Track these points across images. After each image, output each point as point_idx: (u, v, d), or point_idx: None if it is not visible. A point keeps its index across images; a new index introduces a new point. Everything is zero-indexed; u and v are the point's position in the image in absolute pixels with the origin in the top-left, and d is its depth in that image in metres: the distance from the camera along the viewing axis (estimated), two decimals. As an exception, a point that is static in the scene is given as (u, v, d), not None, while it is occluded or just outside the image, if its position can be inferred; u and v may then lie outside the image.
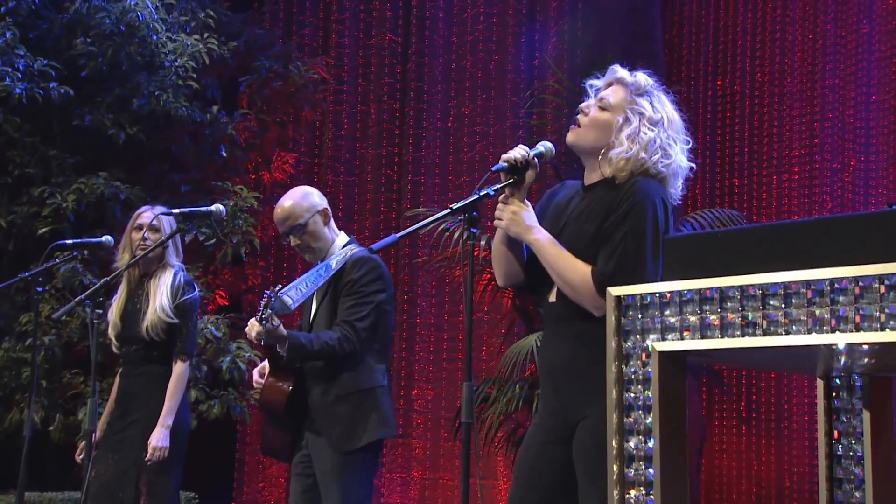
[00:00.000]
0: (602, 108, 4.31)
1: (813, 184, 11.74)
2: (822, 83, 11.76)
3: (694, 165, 4.40)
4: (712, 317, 2.95)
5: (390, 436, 6.00)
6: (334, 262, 5.87)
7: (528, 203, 4.31)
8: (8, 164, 9.86)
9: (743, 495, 11.79)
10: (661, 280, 3.18)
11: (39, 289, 6.53)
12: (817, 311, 2.75)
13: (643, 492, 3.13)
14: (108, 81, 10.01)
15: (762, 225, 3.02)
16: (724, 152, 12.31)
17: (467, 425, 4.00)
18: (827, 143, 11.69)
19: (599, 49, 10.89)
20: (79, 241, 6.88)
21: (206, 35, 10.27)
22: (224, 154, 10.49)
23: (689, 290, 3.01)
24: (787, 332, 2.80)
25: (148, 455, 6.42)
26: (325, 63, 11.97)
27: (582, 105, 4.38)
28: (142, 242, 6.60)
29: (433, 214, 4.37)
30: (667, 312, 3.07)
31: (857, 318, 2.67)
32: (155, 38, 9.80)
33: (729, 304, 2.92)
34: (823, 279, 2.74)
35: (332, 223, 6.13)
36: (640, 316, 3.14)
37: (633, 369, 3.16)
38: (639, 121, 4.24)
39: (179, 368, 6.59)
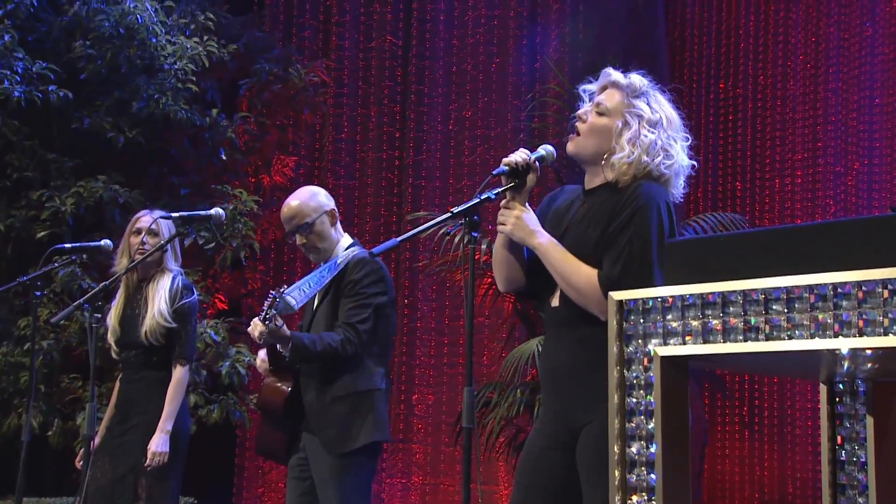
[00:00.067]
0: (600, 114, 4.30)
1: (816, 187, 11.71)
2: (826, 86, 11.73)
3: (695, 163, 4.37)
4: (714, 321, 2.95)
5: (385, 440, 5.97)
6: (339, 262, 5.88)
7: (529, 207, 4.29)
8: (6, 167, 9.85)
9: (746, 501, 11.75)
10: (663, 284, 3.16)
11: (38, 293, 6.55)
12: (820, 316, 2.74)
13: (645, 497, 3.12)
14: (108, 84, 10.00)
15: (764, 229, 3.01)
16: (727, 156, 12.28)
17: (468, 430, 3.98)
18: (830, 147, 11.66)
19: (601, 52, 10.85)
20: (77, 244, 6.90)
21: (205, 38, 10.26)
22: (224, 157, 10.48)
23: (691, 295, 3.01)
24: (790, 337, 2.80)
25: (148, 460, 6.39)
26: (325, 66, 11.94)
27: (579, 112, 4.38)
28: (140, 246, 6.58)
29: (434, 218, 4.36)
30: (669, 317, 3.06)
31: (861, 323, 2.67)
32: (154, 40, 9.79)
33: (731, 308, 2.92)
34: (826, 284, 2.73)
35: (339, 225, 6.15)
36: (641, 320, 3.13)
37: (634, 374, 3.16)
38: (638, 123, 4.22)
39: (179, 373, 6.56)
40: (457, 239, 9.25)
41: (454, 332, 12.06)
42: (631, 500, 3.15)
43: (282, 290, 5.58)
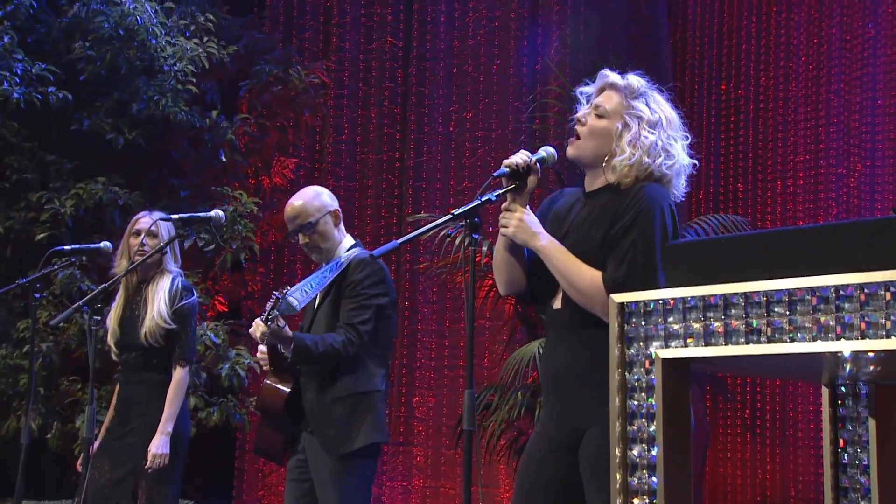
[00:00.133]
0: (599, 116, 4.30)
1: (818, 189, 11.69)
2: (828, 87, 11.71)
3: (696, 162, 4.37)
4: (716, 324, 2.93)
5: (384, 441, 5.96)
6: (340, 263, 5.88)
7: (529, 209, 4.29)
8: (6, 169, 9.84)
9: (747, 504, 11.75)
10: (665, 287, 3.14)
11: (37, 295, 6.61)
12: (822, 318, 2.73)
13: (647, 500, 3.11)
14: (107, 86, 10.00)
15: (766, 231, 2.99)
16: (729, 157, 12.26)
17: (469, 433, 3.98)
18: (832, 149, 11.64)
19: (601, 53, 10.80)
20: (77, 246, 6.96)
21: (205, 39, 10.26)
22: (223, 159, 10.48)
23: (692, 297, 2.99)
24: (792, 340, 2.78)
25: (148, 462, 6.40)
26: (325, 67, 11.93)
27: (578, 115, 4.38)
28: (140, 248, 6.60)
29: (434, 220, 4.34)
30: (670, 319, 3.04)
31: (863, 326, 2.65)
32: (154, 42, 9.78)
33: (733, 310, 2.90)
34: (828, 286, 2.72)
35: (342, 225, 6.15)
36: (643, 323, 3.12)
37: (636, 377, 3.14)
38: (637, 125, 4.23)
39: (179, 375, 6.57)
40: (458, 241, 9.24)
41: (455, 334, 12.04)
42: (632, 503, 3.14)
43: (284, 290, 5.58)
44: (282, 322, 5.58)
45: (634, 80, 4.34)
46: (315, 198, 6.07)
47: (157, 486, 6.47)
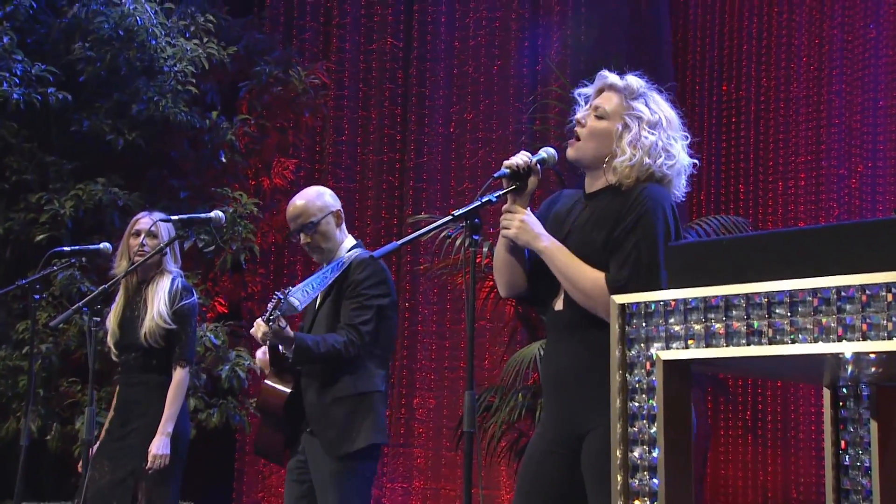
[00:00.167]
0: (598, 117, 4.30)
1: (819, 190, 11.69)
2: (829, 88, 11.72)
3: (696, 161, 4.37)
4: (717, 325, 2.92)
5: (384, 442, 5.96)
6: (342, 263, 5.87)
7: (530, 211, 4.28)
8: (5, 170, 9.82)
9: (749, 506, 11.74)
10: (666, 288, 3.12)
11: (37, 296, 6.61)
12: (824, 320, 2.72)
13: (648, 502, 3.09)
14: (107, 87, 9.98)
15: (768, 232, 2.99)
16: (730, 158, 12.26)
17: (469, 434, 3.98)
18: (833, 149, 11.64)
19: (602, 54, 10.80)
20: (77, 247, 6.95)
21: (205, 40, 10.25)
22: (223, 160, 10.45)
23: (693, 298, 2.98)
24: (793, 341, 2.77)
25: (148, 463, 6.39)
26: (325, 68, 11.91)
27: (577, 116, 4.37)
28: (140, 249, 6.59)
29: (435, 221, 4.35)
30: (671, 320, 3.03)
31: (864, 327, 2.64)
32: (154, 42, 9.77)
33: (734, 312, 2.89)
34: (830, 287, 2.71)
35: (344, 226, 6.14)
36: (644, 324, 3.10)
37: (637, 378, 3.12)
38: (638, 126, 4.22)
39: (179, 375, 6.56)
40: (458, 242, 9.23)
41: (455, 335, 12.04)
42: (633, 505, 3.14)
43: (286, 291, 5.57)
44: (283, 322, 5.57)
45: (634, 80, 4.34)
46: (318, 197, 6.07)
47: (158, 487, 6.46)
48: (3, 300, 9.42)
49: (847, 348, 2.68)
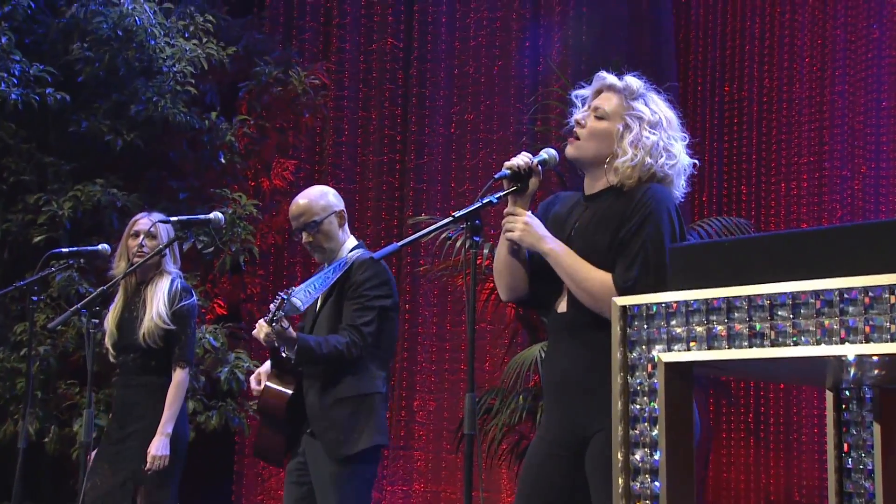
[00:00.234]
0: (599, 118, 4.29)
1: (822, 192, 11.65)
2: (832, 89, 11.68)
3: (696, 162, 4.37)
4: (719, 327, 2.93)
5: (385, 444, 5.96)
6: (344, 264, 5.86)
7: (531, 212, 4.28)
8: (3, 171, 9.80)
9: (751, 509, 11.71)
10: (668, 290, 3.14)
11: (35, 298, 6.67)
12: (826, 322, 2.73)
13: (649, 504, 3.10)
14: (105, 87, 9.98)
15: (770, 234, 3.00)
16: (732, 159, 12.23)
17: (470, 437, 3.99)
18: (836, 150, 11.60)
19: (604, 54, 10.78)
20: (75, 249, 6.97)
21: (204, 40, 10.24)
22: (223, 161, 10.42)
23: (695, 300, 3.00)
24: (796, 343, 2.78)
25: (148, 464, 6.39)
26: (325, 68, 11.90)
27: (577, 117, 4.37)
28: (138, 250, 6.60)
29: (435, 222, 4.36)
30: (673, 323, 3.05)
31: (867, 329, 2.65)
32: (153, 42, 9.76)
33: (736, 314, 2.91)
34: (832, 289, 2.72)
35: (346, 226, 6.13)
36: (645, 326, 3.12)
37: (638, 380, 3.15)
38: (639, 126, 4.23)
39: (179, 376, 6.57)
40: (458, 243, 9.21)
41: (456, 337, 12.02)
42: (635, 507, 3.14)
43: (289, 291, 5.55)
44: (285, 323, 5.56)
45: (633, 81, 4.34)
46: (321, 197, 6.07)
47: (157, 489, 6.48)
48: (1, 302, 9.43)
49: (850, 350, 2.69)
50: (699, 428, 3.98)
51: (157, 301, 6.56)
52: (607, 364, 3.29)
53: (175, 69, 9.85)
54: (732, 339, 2.89)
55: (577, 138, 4.29)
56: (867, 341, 2.64)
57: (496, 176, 4.20)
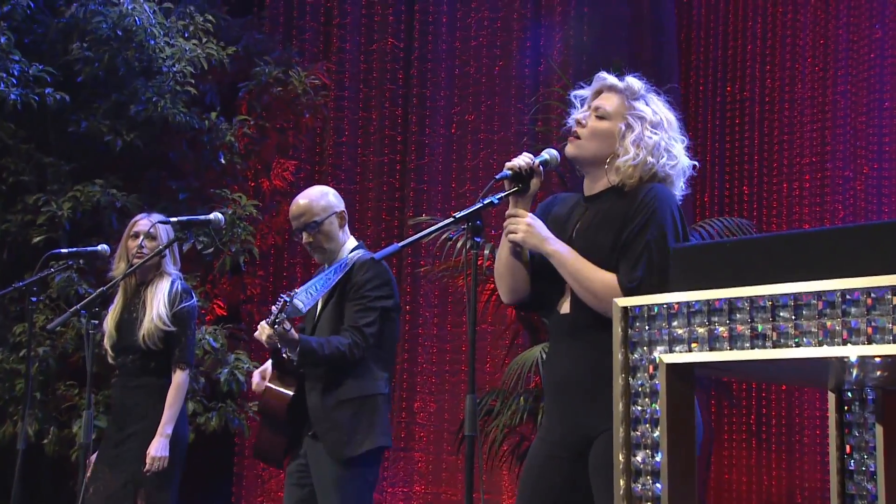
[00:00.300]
0: (600, 118, 4.28)
1: (824, 192, 11.64)
2: (834, 89, 11.67)
3: (696, 164, 4.36)
4: (721, 328, 2.93)
5: (388, 445, 5.97)
6: (345, 264, 5.86)
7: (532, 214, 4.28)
8: (2, 171, 9.77)
9: (752, 511, 11.70)
10: (669, 290, 3.13)
11: (34, 299, 6.67)
12: (828, 323, 2.72)
13: (650, 506, 3.11)
14: (105, 87, 9.96)
15: (772, 234, 3.00)
16: (734, 160, 12.22)
17: (471, 438, 3.98)
18: (839, 151, 11.60)
19: (605, 54, 10.76)
20: (74, 249, 6.96)
21: (204, 40, 10.21)
22: (223, 161, 10.39)
23: (697, 301, 2.99)
24: (798, 345, 2.77)
25: (147, 465, 6.39)
26: (325, 68, 11.88)
27: (577, 117, 4.36)
28: (138, 251, 6.59)
29: (436, 223, 4.36)
30: (674, 324, 3.04)
31: (870, 330, 2.64)
32: (153, 42, 9.74)
33: (738, 315, 2.90)
34: (835, 290, 2.71)
35: (346, 227, 6.13)
36: (647, 327, 3.12)
37: (639, 382, 3.14)
38: (641, 125, 4.23)
39: (179, 377, 6.57)
40: (459, 244, 9.19)
41: (456, 338, 12.02)
42: (636, 509, 3.14)
43: (291, 293, 5.55)
44: (287, 325, 5.56)
45: (634, 81, 4.34)
46: (321, 197, 6.07)
47: (158, 491, 6.49)
48: (1, 302, 9.41)
49: (852, 352, 2.68)
50: (702, 429, 3.98)
51: (157, 302, 6.57)
52: (611, 365, 3.27)
53: (175, 69, 9.83)
54: (734, 341, 2.88)
55: (578, 137, 4.28)
56: (869, 342, 2.63)
57: (497, 177, 4.19)
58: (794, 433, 11.58)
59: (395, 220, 12.38)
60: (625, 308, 3.16)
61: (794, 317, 2.76)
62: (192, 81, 9.95)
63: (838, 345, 2.68)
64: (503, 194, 4.19)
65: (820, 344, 2.71)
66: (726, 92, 12.39)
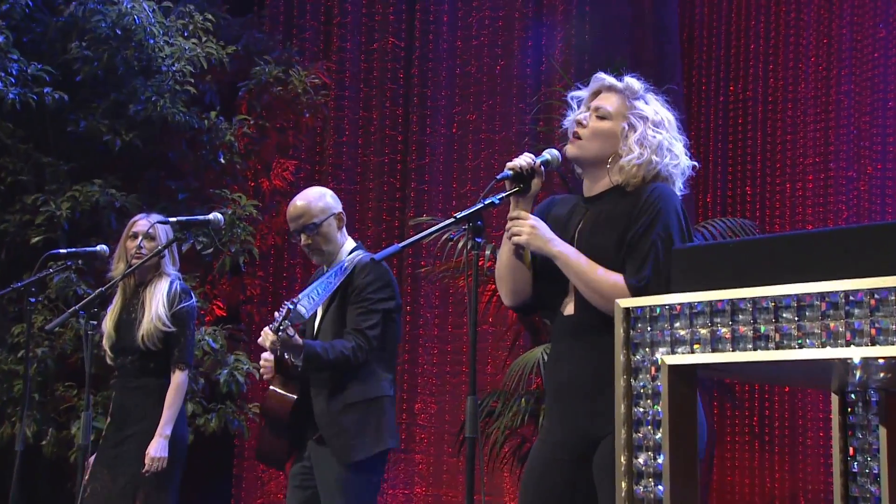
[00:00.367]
0: (601, 118, 4.27)
1: (828, 192, 11.64)
2: (837, 89, 11.68)
3: (696, 164, 4.36)
4: (723, 329, 2.90)
5: (396, 446, 5.99)
6: (345, 267, 5.87)
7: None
8: (1, 171, 9.77)
9: (755, 513, 11.69)
10: (671, 291, 3.10)
11: (32, 299, 6.70)
12: (832, 324, 2.69)
13: (652, 508, 3.10)
14: (104, 86, 9.96)
15: (775, 235, 3.01)
16: (737, 160, 12.22)
17: (472, 440, 3.97)
18: (842, 151, 11.60)
19: (607, 54, 10.76)
20: (73, 250, 6.92)
21: (204, 39, 10.22)
22: (222, 161, 10.39)
23: (699, 302, 2.96)
24: (801, 346, 2.74)
25: (146, 466, 6.37)
26: (326, 68, 11.90)
27: (578, 117, 4.34)
28: (137, 251, 6.59)
29: (437, 223, 4.34)
30: (677, 325, 3.02)
31: (873, 332, 2.62)
32: (152, 41, 9.73)
33: (740, 316, 2.87)
34: (838, 291, 2.68)
35: (344, 228, 6.12)
36: (649, 328, 3.09)
37: (642, 383, 3.11)
38: (643, 125, 4.21)
39: (178, 378, 6.55)
40: (460, 244, 9.18)
41: (457, 339, 12.05)
42: (638, 511, 3.13)
43: (295, 300, 5.56)
44: (291, 331, 5.55)
45: (633, 81, 4.33)
46: (319, 199, 6.04)
47: (157, 492, 6.46)
48: (-1, 303, 9.38)
49: (855, 353, 2.66)
50: (705, 431, 3.95)
51: (157, 303, 6.55)
52: (613, 367, 3.25)
53: (174, 68, 9.82)
54: (737, 342, 2.86)
55: (579, 138, 4.26)
56: (873, 344, 2.60)
57: (498, 177, 4.17)
58: (798, 435, 11.59)
59: (396, 220, 12.39)
60: (626, 309, 3.13)
61: (797, 318, 2.74)
62: (192, 81, 9.95)
63: (841, 346, 2.66)
64: (504, 194, 4.17)
65: (823, 345, 2.68)
66: (729, 92, 12.39)
